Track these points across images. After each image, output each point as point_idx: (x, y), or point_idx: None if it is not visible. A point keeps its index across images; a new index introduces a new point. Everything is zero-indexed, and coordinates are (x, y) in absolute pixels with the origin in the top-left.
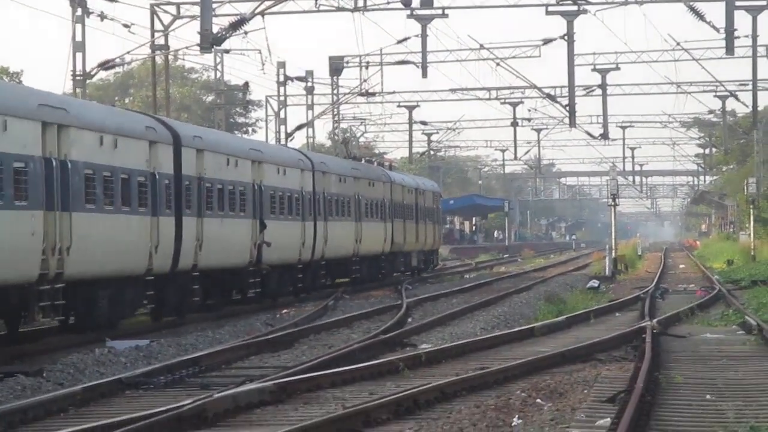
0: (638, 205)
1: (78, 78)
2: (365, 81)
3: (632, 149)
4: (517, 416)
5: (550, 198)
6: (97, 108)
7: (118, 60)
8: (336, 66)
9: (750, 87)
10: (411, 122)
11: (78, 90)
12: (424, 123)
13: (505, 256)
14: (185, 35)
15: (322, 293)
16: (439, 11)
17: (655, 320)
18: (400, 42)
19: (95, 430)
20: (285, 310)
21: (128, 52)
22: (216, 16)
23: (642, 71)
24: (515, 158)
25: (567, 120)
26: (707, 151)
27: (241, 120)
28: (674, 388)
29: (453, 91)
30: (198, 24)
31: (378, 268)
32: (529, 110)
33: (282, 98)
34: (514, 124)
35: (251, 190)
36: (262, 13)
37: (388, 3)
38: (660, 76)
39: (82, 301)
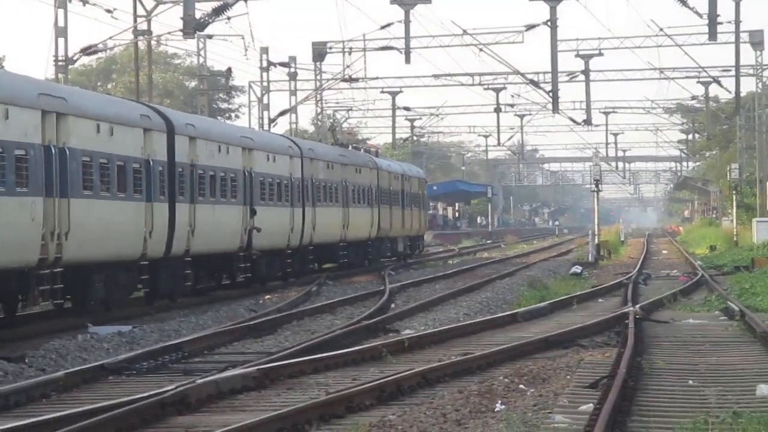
0: (621, 191)
1: (60, 63)
2: (348, 67)
3: (615, 135)
4: (499, 401)
5: (533, 184)
6: (94, 97)
7: (100, 45)
8: (319, 51)
9: (733, 73)
10: (394, 108)
11: (60, 75)
12: (407, 109)
13: (488, 241)
14: (168, 20)
15: (310, 278)
16: None
17: (637, 306)
18: (383, 28)
19: (77, 415)
20: (268, 296)
21: (111, 38)
22: (199, 1)
23: (625, 57)
24: (498, 144)
25: (550, 106)
26: (690, 136)
27: (224, 106)
28: (657, 373)
29: (436, 76)
30: (181, 9)
31: (365, 254)
32: (512, 96)
33: (265, 84)
34: (497, 109)
35: (242, 176)
36: None
37: None
38: (643, 61)
39: (79, 285)
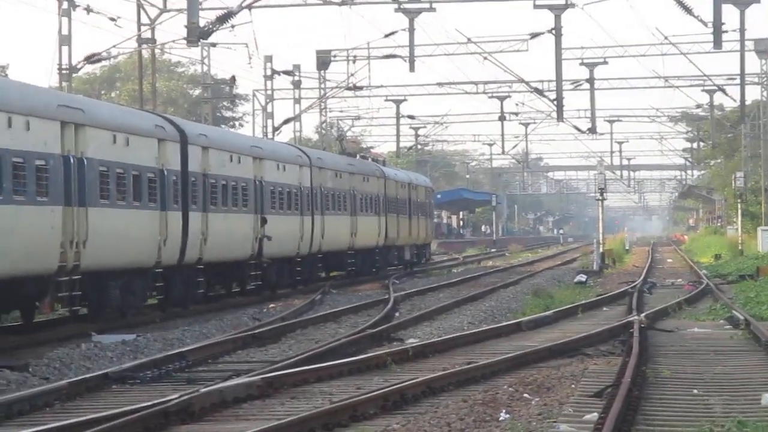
0: (626, 200)
1: (64, 72)
2: (352, 75)
3: (620, 143)
4: (504, 410)
5: (537, 192)
6: (110, 108)
7: (104, 53)
8: (323, 60)
9: (738, 81)
10: (398, 116)
11: (64, 84)
12: (411, 117)
13: (493, 250)
14: (172, 29)
15: (317, 285)
16: (427, 5)
17: (642, 315)
18: (387, 36)
19: (81, 425)
20: (272, 305)
21: (114, 46)
22: (203, 9)
23: (630, 65)
24: (503, 152)
25: (554, 114)
26: (695, 145)
27: (227, 114)
28: (662, 382)
29: (440, 85)
30: (185, 17)
31: (372, 261)
32: (517, 104)
33: (269, 92)
34: (502, 118)
35: (253, 185)
36: (249, 7)
37: None
38: (648, 70)
39: (96, 292)
